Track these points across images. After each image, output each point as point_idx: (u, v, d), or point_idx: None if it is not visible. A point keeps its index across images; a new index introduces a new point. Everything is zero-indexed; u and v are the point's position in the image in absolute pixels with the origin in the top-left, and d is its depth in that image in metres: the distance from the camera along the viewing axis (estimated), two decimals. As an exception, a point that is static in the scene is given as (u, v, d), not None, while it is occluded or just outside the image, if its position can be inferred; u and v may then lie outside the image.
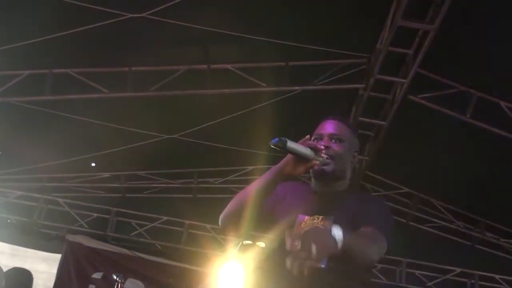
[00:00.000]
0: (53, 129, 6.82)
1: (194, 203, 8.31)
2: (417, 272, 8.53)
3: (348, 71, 5.77)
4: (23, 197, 8.38)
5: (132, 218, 8.56)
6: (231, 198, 2.48)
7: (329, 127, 2.47)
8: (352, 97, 6.08)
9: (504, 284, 8.39)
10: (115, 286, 5.55)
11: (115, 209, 8.49)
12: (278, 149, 2.20)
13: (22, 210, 8.48)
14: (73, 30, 5.20)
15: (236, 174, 7.96)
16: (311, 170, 2.37)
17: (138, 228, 8.50)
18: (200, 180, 8.24)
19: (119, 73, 5.82)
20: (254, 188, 2.39)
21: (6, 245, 8.35)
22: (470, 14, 4.89)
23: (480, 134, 5.90)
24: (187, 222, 8.51)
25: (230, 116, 6.38)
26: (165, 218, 8.48)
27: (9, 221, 8.61)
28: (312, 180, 2.51)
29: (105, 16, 5.10)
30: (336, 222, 2.17)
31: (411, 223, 8.08)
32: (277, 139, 2.19)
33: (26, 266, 8.47)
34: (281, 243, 2.29)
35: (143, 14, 5.06)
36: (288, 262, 1.89)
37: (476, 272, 8.44)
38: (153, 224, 8.49)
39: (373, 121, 6.06)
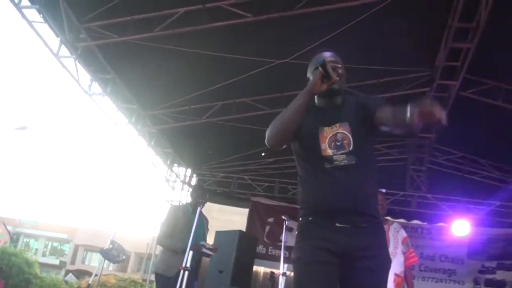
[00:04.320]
0: (240, 136, 10.87)
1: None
2: None
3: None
4: (224, 177, 12.75)
5: (289, 184, 12.34)
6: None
7: (328, 55, 2.80)
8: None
9: None
10: (284, 223, 6.75)
11: (277, 179, 12.55)
12: (319, 67, 2.59)
13: (224, 184, 12.83)
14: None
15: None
16: (326, 88, 2.66)
17: (292, 190, 12.29)
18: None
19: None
20: (294, 110, 2.64)
21: (216, 205, 12.24)
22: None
23: None
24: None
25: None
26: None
27: (218, 191, 12.84)
28: (316, 98, 2.84)
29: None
30: (349, 124, 2.69)
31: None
32: (321, 59, 2.57)
33: (229, 217, 12.70)
34: (312, 152, 2.71)
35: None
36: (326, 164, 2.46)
37: None
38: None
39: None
